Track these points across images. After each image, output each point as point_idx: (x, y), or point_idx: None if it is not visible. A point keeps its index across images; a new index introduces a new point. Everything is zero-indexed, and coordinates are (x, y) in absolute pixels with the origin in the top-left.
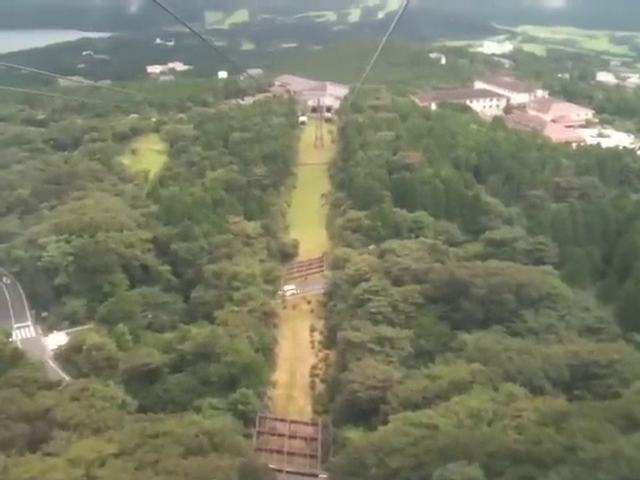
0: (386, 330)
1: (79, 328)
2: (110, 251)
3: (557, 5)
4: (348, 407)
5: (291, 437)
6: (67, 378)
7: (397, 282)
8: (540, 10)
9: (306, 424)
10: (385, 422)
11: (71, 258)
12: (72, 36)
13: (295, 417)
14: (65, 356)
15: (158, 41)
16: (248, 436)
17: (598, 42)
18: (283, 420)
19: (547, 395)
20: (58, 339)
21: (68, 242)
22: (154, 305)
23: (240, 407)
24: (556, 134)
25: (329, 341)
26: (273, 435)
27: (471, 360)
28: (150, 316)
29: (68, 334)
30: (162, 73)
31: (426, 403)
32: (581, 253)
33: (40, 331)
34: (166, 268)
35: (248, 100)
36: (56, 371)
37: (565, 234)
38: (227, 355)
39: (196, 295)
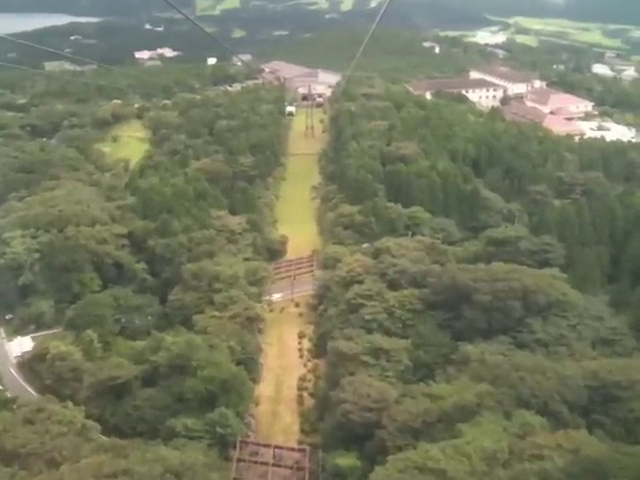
0: (381, 340)
1: (46, 332)
2: (80, 247)
3: None
4: (339, 430)
5: (275, 465)
6: (30, 390)
7: (393, 285)
8: (532, 2)
9: (292, 450)
10: (381, 450)
11: (37, 255)
12: (61, 20)
13: (280, 436)
14: (28, 365)
15: (147, 27)
16: (227, 460)
17: (591, 35)
18: (266, 445)
19: (564, 421)
20: (23, 344)
21: (34, 237)
22: (127, 308)
23: (218, 430)
24: (555, 126)
25: (319, 349)
26: (255, 462)
27: (476, 377)
28: (123, 320)
29: (34, 339)
30: (151, 59)
31: (427, 429)
32: (590, 255)
33: (4, 335)
34: (142, 266)
35: (236, 87)
36: (18, 382)
37: (571, 233)
38: (205, 369)
39: (173, 297)
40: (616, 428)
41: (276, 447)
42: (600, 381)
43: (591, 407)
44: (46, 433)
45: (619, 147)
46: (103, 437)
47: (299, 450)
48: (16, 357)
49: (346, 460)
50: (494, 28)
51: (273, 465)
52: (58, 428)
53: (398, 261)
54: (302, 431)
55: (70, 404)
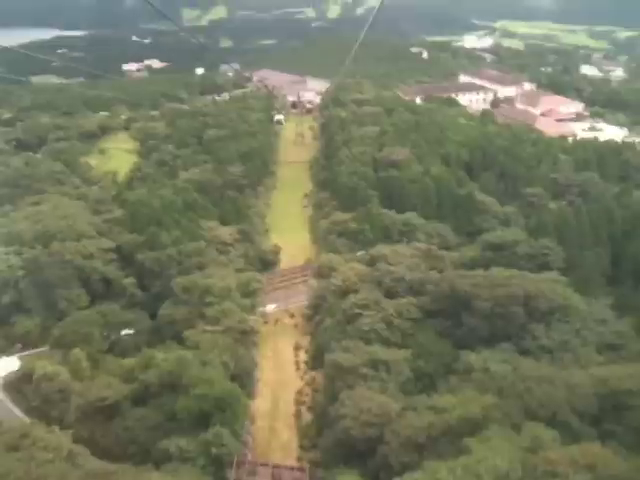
0: (380, 351)
1: (33, 351)
2: (66, 263)
3: (535, 0)
4: (339, 446)
5: None
6: (17, 413)
7: (390, 294)
8: (518, 5)
9: (291, 469)
10: (384, 467)
11: (22, 272)
12: (47, 34)
13: (278, 453)
14: (15, 386)
15: (134, 39)
16: None
17: (577, 37)
18: (264, 464)
19: (575, 432)
20: (9, 365)
21: (19, 254)
22: (116, 325)
23: (213, 450)
24: (547, 128)
25: (316, 361)
26: None
27: (480, 387)
28: (112, 337)
29: (20, 358)
30: (138, 70)
31: (432, 444)
32: (590, 257)
33: None
34: (131, 281)
35: (225, 96)
36: (5, 404)
37: (569, 235)
38: (197, 387)
39: (164, 312)
40: (629, 437)
41: (274, 466)
42: (610, 389)
43: (602, 416)
44: (31, 460)
45: (613, 147)
46: (94, 458)
47: (298, 469)
48: (2, 378)
49: (348, 478)
50: (480, 32)
51: None
52: (44, 454)
53: (394, 268)
54: (301, 447)
55: (56, 429)
